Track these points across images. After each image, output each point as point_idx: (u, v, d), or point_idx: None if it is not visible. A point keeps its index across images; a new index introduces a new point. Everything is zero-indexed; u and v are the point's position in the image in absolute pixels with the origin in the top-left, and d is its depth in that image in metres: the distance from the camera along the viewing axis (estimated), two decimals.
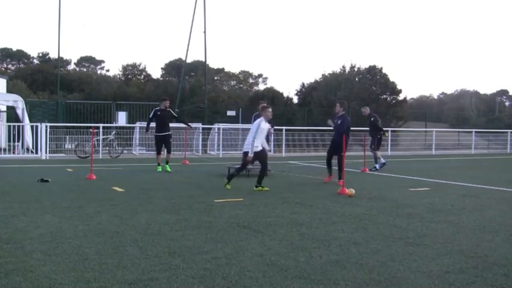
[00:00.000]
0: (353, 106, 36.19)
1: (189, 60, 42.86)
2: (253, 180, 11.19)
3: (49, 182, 10.13)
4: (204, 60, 33.16)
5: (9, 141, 18.60)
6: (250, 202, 7.82)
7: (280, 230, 5.80)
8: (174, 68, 60.08)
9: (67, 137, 20.50)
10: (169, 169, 12.88)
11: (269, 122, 14.10)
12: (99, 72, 72.02)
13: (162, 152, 13.14)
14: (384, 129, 16.28)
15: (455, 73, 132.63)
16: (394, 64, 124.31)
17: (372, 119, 15.07)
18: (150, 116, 13.29)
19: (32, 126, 18.67)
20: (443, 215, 6.97)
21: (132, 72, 64.32)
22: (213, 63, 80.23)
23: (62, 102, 26.10)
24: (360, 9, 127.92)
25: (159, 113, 13.05)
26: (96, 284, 3.77)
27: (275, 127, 14.60)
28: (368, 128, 15.41)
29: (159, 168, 12.94)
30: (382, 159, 14.67)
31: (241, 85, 74.43)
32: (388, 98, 42.27)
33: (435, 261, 4.56)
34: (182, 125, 15.48)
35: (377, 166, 14.44)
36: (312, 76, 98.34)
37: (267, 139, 14.28)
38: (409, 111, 43.18)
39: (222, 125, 21.67)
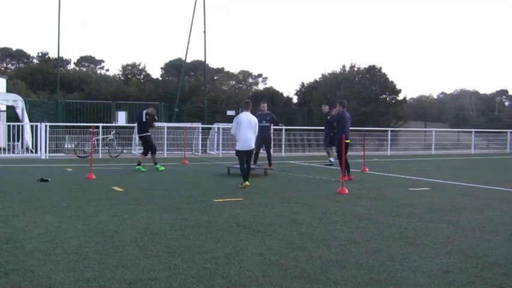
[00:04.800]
0: (353, 105, 36.23)
1: (188, 60, 42.87)
2: (254, 180, 11.21)
3: (49, 181, 10.12)
4: (203, 59, 33.11)
5: (9, 140, 18.59)
6: (250, 202, 7.82)
7: (280, 229, 5.80)
8: (174, 67, 60.03)
9: (67, 136, 20.51)
10: (144, 169, 12.84)
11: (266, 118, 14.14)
12: (98, 71, 72.00)
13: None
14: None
15: (455, 73, 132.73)
16: (394, 64, 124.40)
17: (328, 117, 15.67)
18: (144, 120, 13.24)
19: (31, 126, 18.66)
20: (443, 214, 6.97)
21: (132, 71, 64.30)
22: (213, 63, 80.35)
23: (62, 101, 26.08)
24: (360, 9, 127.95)
25: (147, 117, 13.25)
26: (95, 284, 3.77)
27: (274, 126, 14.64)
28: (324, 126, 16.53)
29: (161, 168, 13.08)
30: (332, 159, 15.74)
31: (241, 85, 74.43)
32: (388, 98, 42.28)
33: (435, 260, 4.56)
34: (182, 124, 15.73)
35: (332, 159, 15.64)
36: (311, 76, 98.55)
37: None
38: (409, 111, 43.18)
39: (221, 125, 21.66)
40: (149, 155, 13.38)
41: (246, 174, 9.83)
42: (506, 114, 55.86)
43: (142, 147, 13.98)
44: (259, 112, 14.27)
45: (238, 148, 10.09)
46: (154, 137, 19.67)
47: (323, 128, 17.47)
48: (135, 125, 13.94)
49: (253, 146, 10.12)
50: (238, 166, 12.63)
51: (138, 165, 12.98)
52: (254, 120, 10.10)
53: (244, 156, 10.04)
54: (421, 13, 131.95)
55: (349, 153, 12.07)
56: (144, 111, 13.38)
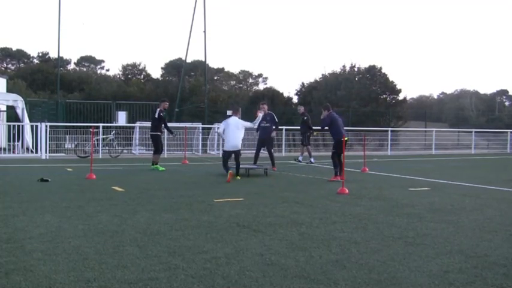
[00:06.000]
0: (353, 106, 36.23)
1: (189, 60, 42.89)
2: (254, 180, 11.23)
3: (49, 181, 10.13)
4: (204, 59, 33.12)
5: (9, 140, 18.60)
6: (250, 202, 7.82)
7: (280, 229, 5.80)
8: (174, 67, 59.99)
9: (67, 136, 20.52)
10: (162, 168, 13.37)
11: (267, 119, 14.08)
12: (99, 71, 71.95)
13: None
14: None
15: (455, 73, 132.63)
16: (394, 64, 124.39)
17: (305, 118, 16.71)
18: (157, 117, 13.54)
19: (32, 126, 18.67)
20: (443, 214, 6.97)
21: (132, 72, 64.23)
22: (213, 63, 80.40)
23: (62, 101, 26.08)
24: (360, 9, 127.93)
25: (161, 114, 13.59)
26: (96, 284, 3.77)
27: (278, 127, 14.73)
28: (300, 126, 17.46)
29: (161, 168, 13.21)
30: (301, 157, 16.77)
31: (241, 85, 74.39)
32: (388, 98, 42.31)
33: (435, 260, 4.56)
34: (182, 124, 15.90)
35: (312, 160, 16.49)
36: (312, 76, 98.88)
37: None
38: (409, 111, 43.20)
39: (222, 125, 21.61)
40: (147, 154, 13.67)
41: (228, 170, 10.96)
42: (506, 114, 55.86)
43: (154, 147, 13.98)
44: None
45: (225, 148, 11.37)
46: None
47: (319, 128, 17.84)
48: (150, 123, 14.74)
49: (239, 147, 11.24)
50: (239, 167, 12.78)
51: (155, 164, 13.32)
52: (241, 123, 11.28)
53: (230, 156, 11.25)
54: (421, 13, 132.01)
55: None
56: (159, 109, 13.62)
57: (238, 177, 11.11)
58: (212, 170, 13.81)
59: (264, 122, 13.80)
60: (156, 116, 13.50)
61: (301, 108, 17.42)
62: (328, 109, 11.87)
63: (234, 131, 11.10)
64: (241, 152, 11.77)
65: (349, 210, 7.23)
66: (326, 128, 11.70)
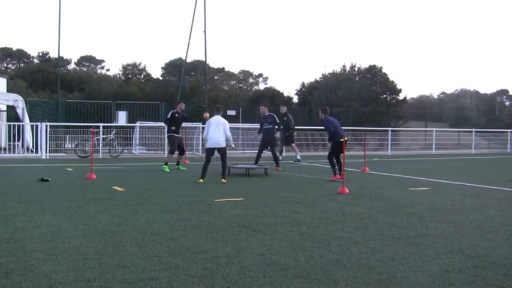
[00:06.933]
0: (353, 105, 36.21)
1: (189, 60, 42.88)
2: (254, 180, 11.23)
3: (49, 181, 10.13)
4: (204, 59, 33.05)
5: (9, 140, 18.59)
6: (250, 202, 7.82)
7: (280, 229, 5.80)
8: (174, 67, 59.95)
9: (67, 136, 20.51)
10: (183, 167, 13.69)
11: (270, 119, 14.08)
12: (99, 71, 71.89)
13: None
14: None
15: (455, 73, 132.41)
16: (394, 64, 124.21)
17: (285, 118, 16.98)
18: (169, 117, 13.46)
19: (32, 126, 18.66)
20: (444, 214, 6.97)
21: (132, 71, 64.19)
22: (213, 63, 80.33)
23: (62, 101, 26.04)
24: (360, 9, 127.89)
25: (176, 115, 13.43)
26: (96, 284, 3.77)
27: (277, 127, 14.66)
28: (282, 126, 17.57)
29: (167, 169, 12.91)
30: (280, 157, 16.48)
31: (242, 85, 74.38)
32: (388, 98, 42.23)
33: (435, 260, 4.56)
34: (182, 124, 15.77)
35: (298, 157, 16.74)
36: (312, 75, 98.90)
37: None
38: (409, 111, 43.13)
39: None
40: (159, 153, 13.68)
41: (205, 171, 10.88)
42: (506, 114, 55.85)
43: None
44: (261, 115, 14.31)
45: (207, 146, 11.32)
46: (155, 136, 20.16)
47: (319, 128, 17.88)
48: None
49: (222, 145, 11.05)
50: (239, 166, 12.81)
51: (178, 164, 13.53)
52: (223, 121, 11.06)
53: (213, 154, 11.19)
54: (421, 13, 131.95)
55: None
56: (172, 111, 13.63)
57: (224, 180, 10.65)
58: (212, 169, 13.79)
59: (266, 124, 13.94)
60: (169, 116, 13.45)
61: (284, 109, 17.65)
62: (325, 112, 11.94)
63: (216, 127, 10.93)
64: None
65: (350, 210, 7.23)
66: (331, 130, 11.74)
